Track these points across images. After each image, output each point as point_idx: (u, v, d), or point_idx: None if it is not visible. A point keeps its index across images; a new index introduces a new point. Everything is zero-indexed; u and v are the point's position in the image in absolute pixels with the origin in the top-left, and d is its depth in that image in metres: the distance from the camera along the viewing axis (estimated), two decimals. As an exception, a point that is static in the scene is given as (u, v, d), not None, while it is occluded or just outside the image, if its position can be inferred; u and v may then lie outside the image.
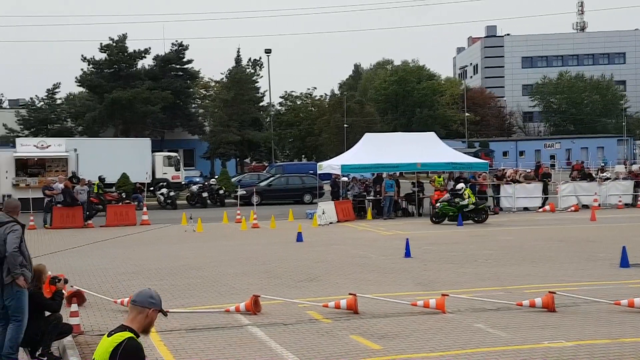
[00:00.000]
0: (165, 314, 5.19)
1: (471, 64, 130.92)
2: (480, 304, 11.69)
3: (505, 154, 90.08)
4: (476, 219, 26.12)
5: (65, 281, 9.60)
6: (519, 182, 33.09)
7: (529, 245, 19.69)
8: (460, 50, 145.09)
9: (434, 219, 26.47)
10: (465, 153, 37.96)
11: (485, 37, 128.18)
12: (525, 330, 10.06)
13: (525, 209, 32.18)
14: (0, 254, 8.59)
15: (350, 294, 11.58)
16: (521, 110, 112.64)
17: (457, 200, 26.10)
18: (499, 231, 23.88)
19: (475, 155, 47.84)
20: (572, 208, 31.40)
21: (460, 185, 27.06)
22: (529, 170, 38.72)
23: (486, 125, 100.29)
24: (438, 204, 26.53)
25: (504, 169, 41.71)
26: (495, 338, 9.67)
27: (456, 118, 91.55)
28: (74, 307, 10.28)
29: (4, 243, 8.58)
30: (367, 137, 33.28)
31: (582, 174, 36.79)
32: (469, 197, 26.01)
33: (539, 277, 14.44)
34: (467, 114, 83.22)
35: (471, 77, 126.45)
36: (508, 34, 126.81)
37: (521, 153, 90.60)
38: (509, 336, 9.75)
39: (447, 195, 26.84)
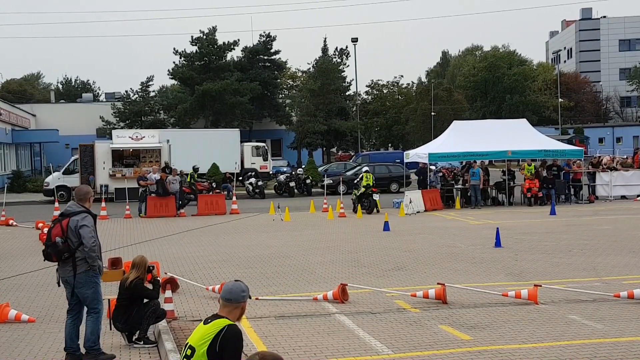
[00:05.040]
0: (250, 297, 5.30)
1: (565, 48, 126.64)
2: (574, 295, 11.34)
3: (601, 140, 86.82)
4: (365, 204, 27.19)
5: (152, 267, 9.77)
6: (616, 169, 31.95)
7: (627, 235, 18.94)
8: (553, 34, 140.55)
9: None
10: (558, 140, 36.73)
11: (580, 19, 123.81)
12: (623, 323, 9.70)
13: (623, 197, 31.05)
14: (72, 244, 8.44)
15: (438, 283, 11.45)
16: (618, 95, 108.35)
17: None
18: (595, 220, 23.08)
19: (569, 142, 46.49)
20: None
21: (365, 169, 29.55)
22: (626, 157, 37.30)
23: (581, 111, 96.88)
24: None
25: (599, 156, 40.24)
26: (591, 330, 9.36)
27: (549, 104, 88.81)
28: (168, 293, 10.55)
29: (77, 235, 8.41)
30: (456, 124, 32.54)
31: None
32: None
33: (637, 268, 13.90)
34: (560, 100, 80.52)
35: (565, 61, 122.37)
36: (604, 16, 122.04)
37: (618, 140, 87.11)
38: (605, 328, 9.43)
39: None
